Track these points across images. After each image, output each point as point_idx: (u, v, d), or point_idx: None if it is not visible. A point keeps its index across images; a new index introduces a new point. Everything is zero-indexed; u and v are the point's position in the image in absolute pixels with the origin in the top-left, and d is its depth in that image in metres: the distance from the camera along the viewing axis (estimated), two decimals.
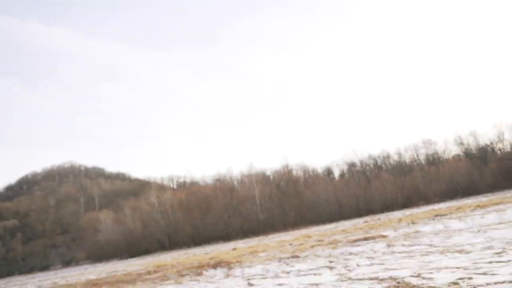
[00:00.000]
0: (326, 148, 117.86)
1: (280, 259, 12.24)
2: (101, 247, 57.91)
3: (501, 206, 19.18)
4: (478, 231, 10.89)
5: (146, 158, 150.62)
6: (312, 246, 15.17)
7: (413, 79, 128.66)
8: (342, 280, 6.75)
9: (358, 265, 8.30)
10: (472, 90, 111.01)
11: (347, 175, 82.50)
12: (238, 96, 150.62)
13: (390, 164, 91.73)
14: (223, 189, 58.29)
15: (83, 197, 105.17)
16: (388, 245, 11.28)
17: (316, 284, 6.81)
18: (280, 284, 7.55)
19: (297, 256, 12.20)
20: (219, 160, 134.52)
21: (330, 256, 11.17)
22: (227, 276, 10.65)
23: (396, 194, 55.80)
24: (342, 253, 11.32)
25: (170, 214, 55.90)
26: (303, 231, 34.19)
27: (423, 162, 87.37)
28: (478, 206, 22.87)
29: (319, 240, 18.13)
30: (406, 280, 5.86)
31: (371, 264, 8.19)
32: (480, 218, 14.45)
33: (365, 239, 14.34)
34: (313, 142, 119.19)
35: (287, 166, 60.93)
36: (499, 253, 6.97)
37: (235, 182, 60.40)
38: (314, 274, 8.10)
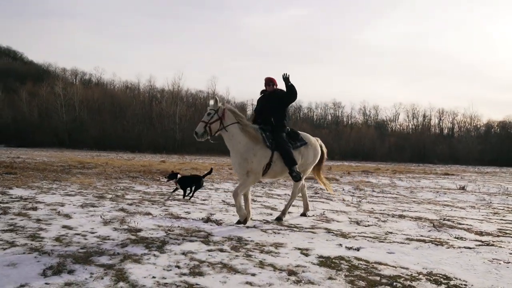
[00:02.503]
0: (249, 84, 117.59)
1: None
2: None
3: (414, 175, 21.48)
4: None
5: (46, 41, 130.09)
6: None
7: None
8: None
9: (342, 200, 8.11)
10: (385, 68, 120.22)
11: None
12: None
13: (300, 117, 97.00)
14: (142, 98, 54.23)
15: None
16: (355, 188, 11.46)
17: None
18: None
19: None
20: (134, 66, 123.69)
21: None
22: None
23: None
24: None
25: (76, 110, 50.28)
26: (218, 159, 33.90)
27: (331, 121, 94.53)
28: (394, 170, 25.37)
29: None
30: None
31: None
32: (417, 181, 15.81)
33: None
34: (241, 76, 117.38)
35: (214, 92, 59.07)
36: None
37: (158, 95, 56.60)
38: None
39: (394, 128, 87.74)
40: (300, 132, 5.96)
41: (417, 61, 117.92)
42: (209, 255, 3.57)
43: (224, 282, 2.84)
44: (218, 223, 5.18)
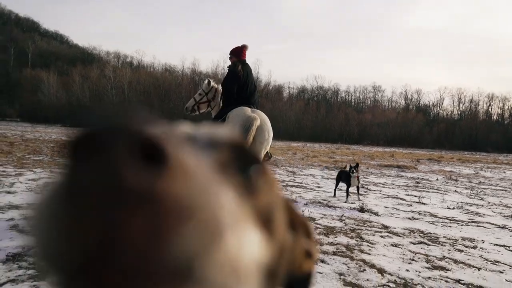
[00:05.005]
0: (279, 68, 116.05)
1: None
2: (40, 109, 52.69)
3: (478, 164, 20.37)
4: None
5: (89, 25, 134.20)
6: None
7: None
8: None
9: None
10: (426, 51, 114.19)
11: (295, 99, 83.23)
12: None
13: (337, 100, 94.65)
14: (186, 81, 54.90)
15: (13, 49, 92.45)
16: (448, 178, 10.97)
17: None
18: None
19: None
20: (174, 49, 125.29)
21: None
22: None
23: (352, 128, 58.14)
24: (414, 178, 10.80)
25: (126, 92, 51.83)
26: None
27: (371, 105, 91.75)
28: (459, 159, 24.24)
29: (329, 157, 17.72)
30: None
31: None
32: (502, 171, 14.93)
33: (398, 167, 14.10)
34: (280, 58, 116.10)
35: (257, 75, 58.62)
36: None
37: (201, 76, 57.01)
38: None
39: (438, 113, 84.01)
40: (236, 108, 4.58)
41: (464, 44, 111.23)
42: None
43: None
44: None
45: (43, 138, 18.12)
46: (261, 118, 4.35)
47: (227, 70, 4.91)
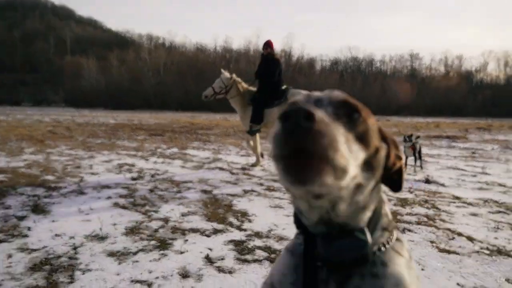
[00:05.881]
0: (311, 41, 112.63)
1: None
2: (82, 94, 55.09)
3: None
4: None
5: (120, 8, 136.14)
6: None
7: None
8: None
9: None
10: (467, 15, 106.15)
11: (328, 71, 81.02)
12: None
13: (372, 70, 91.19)
14: (220, 58, 54.98)
15: (52, 38, 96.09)
16: (505, 147, 10.57)
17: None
18: None
19: None
20: (204, 27, 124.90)
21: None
22: None
23: (390, 99, 56.27)
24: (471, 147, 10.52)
25: (162, 74, 52.87)
26: None
27: (407, 74, 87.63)
28: (510, 127, 23.02)
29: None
30: None
31: None
32: None
33: (448, 137, 13.71)
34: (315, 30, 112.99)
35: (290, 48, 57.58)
36: None
37: (235, 56, 56.91)
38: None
39: (481, 79, 79.16)
40: (292, 89, 6.13)
41: (508, 2, 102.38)
42: None
43: None
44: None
45: (93, 122, 19.12)
46: None
47: (266, 58, 6.17)
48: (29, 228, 2.99)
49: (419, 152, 6.12)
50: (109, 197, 4.07)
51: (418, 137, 6.28)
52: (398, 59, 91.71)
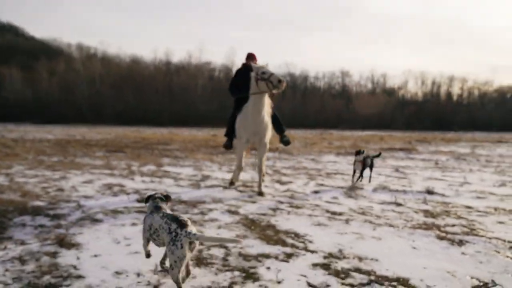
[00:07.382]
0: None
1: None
2: (4, 106, 49.41)
3: (462, 144, 21.61)
4: None
5: (45, 15, 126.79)
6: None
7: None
8: None
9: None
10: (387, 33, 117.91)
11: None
12: None
13: (307, 86, 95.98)
14: (162, 71, 53.49)
15: None
16: (457, 158, 11.61)
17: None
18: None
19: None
20: (139, 40, 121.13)
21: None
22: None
23: (328, 114, 59.16)
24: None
25: (98, 85, 49.73)
26: None
27: (338, 90, 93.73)
28: (442, 139, 25.52)
29: (330, 145, 18.12)
30: None
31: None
32: (494, 150, 15.94)
33: (401, 149, 14.71)
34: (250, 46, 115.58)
35: (232, 63, 58.06)
36: None
37: (175, 69, 55.73)
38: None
39: (403, 96, 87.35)
40: None
41: (428, 28, 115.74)
42: None
43: None
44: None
45: (30, 138, 17.24)
46: None
47: (243, 68, 6.07)
48: (75, 267, 2.53)
49: (371, 166, 6.47)
50: (133, 224, 3.63)
51: (379, 154, 6.89)
52: (330, 76, 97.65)
